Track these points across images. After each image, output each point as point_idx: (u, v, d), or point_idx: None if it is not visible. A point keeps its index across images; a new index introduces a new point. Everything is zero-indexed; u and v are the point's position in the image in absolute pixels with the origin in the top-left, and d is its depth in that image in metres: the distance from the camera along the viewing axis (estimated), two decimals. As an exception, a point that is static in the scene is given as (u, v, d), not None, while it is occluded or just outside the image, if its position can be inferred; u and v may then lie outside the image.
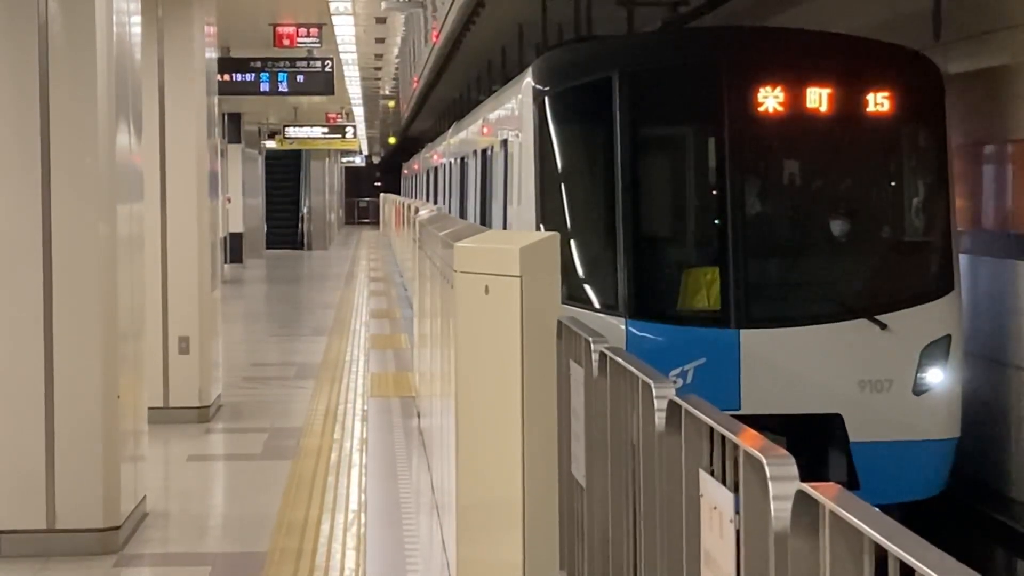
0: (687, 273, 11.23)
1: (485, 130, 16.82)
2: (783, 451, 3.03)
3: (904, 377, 10.82)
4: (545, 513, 5.87)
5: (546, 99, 11.46)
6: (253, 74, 24.72)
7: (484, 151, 16.72)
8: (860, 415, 10.73)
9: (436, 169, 29.57)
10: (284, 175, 52.41)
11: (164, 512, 9.72)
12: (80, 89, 8.47)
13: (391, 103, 57.29)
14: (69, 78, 8.47)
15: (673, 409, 3.96)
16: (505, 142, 13.90)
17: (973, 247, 12.27)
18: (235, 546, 8.96)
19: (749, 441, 3.20)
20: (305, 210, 52.03)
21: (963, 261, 11.59)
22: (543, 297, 5.95)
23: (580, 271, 11.15)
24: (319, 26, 22.96)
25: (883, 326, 10.84)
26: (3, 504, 8.49)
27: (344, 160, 72.38)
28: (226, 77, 23.67)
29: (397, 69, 44.56)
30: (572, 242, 11.13)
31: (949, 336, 10.94)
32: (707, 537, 3.56)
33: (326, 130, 43.94)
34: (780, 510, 2.91)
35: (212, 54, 13.97)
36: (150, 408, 10.19)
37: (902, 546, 2.31)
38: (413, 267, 16.01)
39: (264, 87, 24.79)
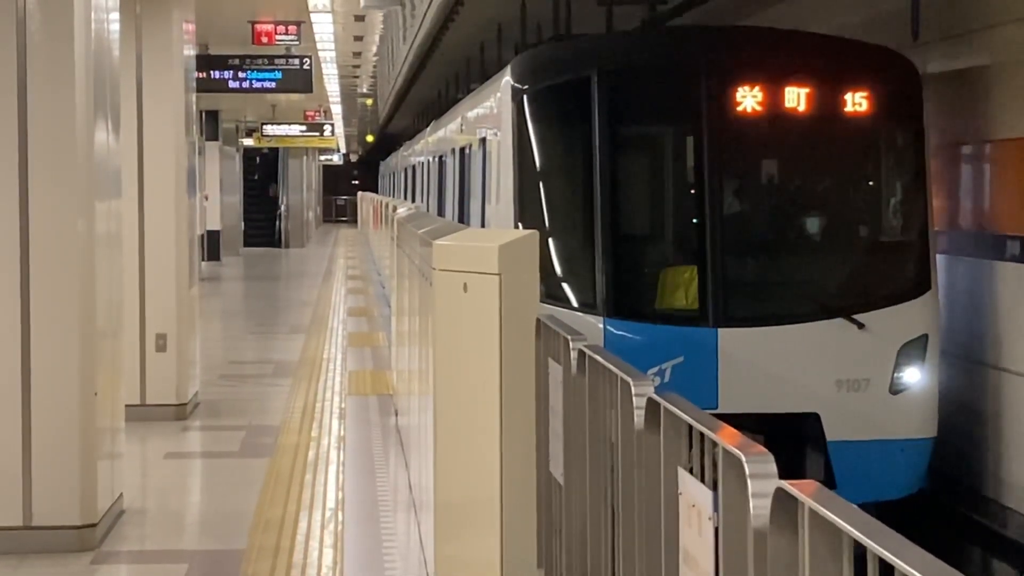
0: (665, 272, 11.24)
1: (463, 128, 16.81)
2: (762, 449, 3.04)
3: (881, 376, 10.84)
4: (523, 511, 5.86)
5: (525, 97, 11.46)
6: (231, 71, 24.67)
7: (463, 149, 16.71)
8: (837, 414, 10.75)
9: (414, 167, 29.55)
10: (262, 172, 52.32)
11: (141, 509, 9.70)
12: (58, 85, 8.44)
13: (369, 101, 57.23)
14: (47, 74, 8.44)
15: (652, 407, 3.96)
16: (484, 140, 13.90)
17: (950, 247, 12.29)
18: (212, 543, 8.94)
19: (728, 439, 3.20)
20: (283, 208, 51.95)
21: (940, 261, 11.61)
22: (522, 295, 5.94)
23: (558, 270, 11.16)
24: (298, 23, 22.93)
25: (860, 325, 10.86)
26: (-21, 501, 8.47)
27: (322, 158, 72.29)
28: (204, 74, 23.62)
29: (375, 67, 44.52)
30: (550, 240, 11.13)
31: (926, 335, 10.97)
32: (686, 535, 3.56)
33: (304, 128, 43.86)
34: (759, 507, 2.91)
35: (190, 51, 13.94)
36: (127, 405, 10.17)
37: (881, 543, 2.32)
38: (391, 265, 16.00)
39: (242, 84, 24.74)
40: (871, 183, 11.86)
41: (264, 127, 43.24)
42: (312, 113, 44.77)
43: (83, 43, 8.56)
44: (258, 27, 22.76)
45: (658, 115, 11.86)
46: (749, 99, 11.08)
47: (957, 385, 11.82)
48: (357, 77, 47.06)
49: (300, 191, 53.08)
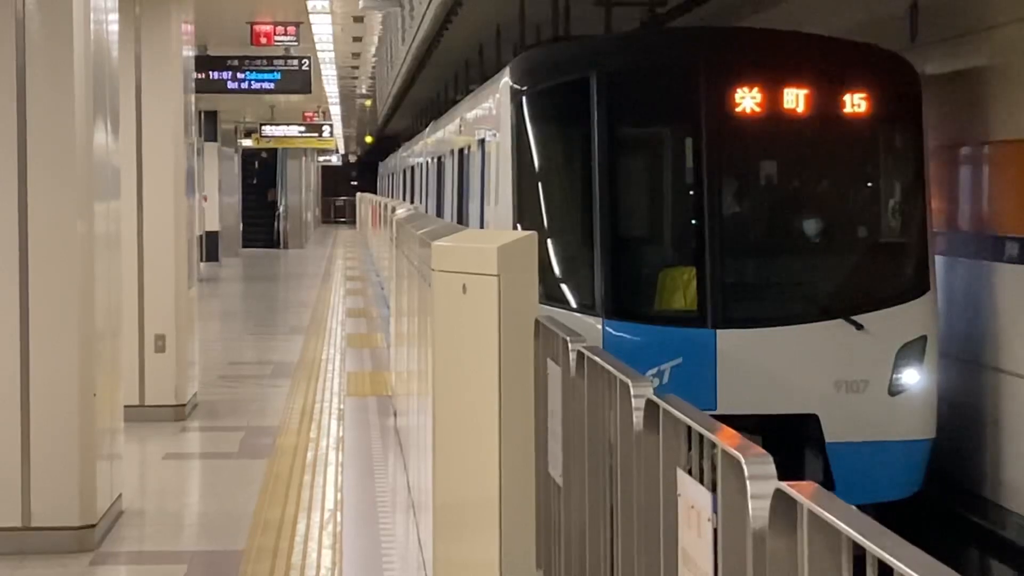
0: (664, 273, 11.24)
1: (462, 129, 16.81)
2: (761, 450, 3.04)
3: (880, 378, 10.84)
4: (522, 512, 5.87)
5: (524, 99, 11.46)
6: (230, 72, 24.67)
7: (461, 150, 16.71)
8: (836, 415, 10.75)
9: (413, 168, 29.55)
10: (261, 173, 52.28)
11: (140, 510, 9.70)
12: (57, 86, 8.44)
13: (368, 102, 57.22)
14: (46, 75, 8.44)
15: (651, 408, 3.97)
16: (482, 141, 13.90)
17: (949, 248, 12.30)
18: (211, 544, 8.94)
19: (727, 440, 3.21)
20: (281, 209, 51.94)
21: (939, 262, 11.61)
22: (521, 296, 5.94)
23: (557, 271, 11.15)
24: (296, 24, 22.94)
25: (859, 327, 10.86)
26: (-22, 502, 8.46)
27: (321, 159, 72.28)
28: (203, 75, 23.62)
29: (374, 68, 44.52)
30: (549, 242, 11.13)
31: (925, 337, 10.97)
32: (685, 536, 3.57)
33: (303, 129, 43.85)
34: (758, 509, 2.91)
35: (189, 52, 13.94)
36: (126, 406, 10.17)
37: (880, 545, 2.32)
38: (390, 266, 15.99)
39: (241, 85, 24.75)
40: (870, 184, 11.86)
41: (263, 128, 43.22)
42: (311, 114, 44.76)
43: (82, 44, 8.56)
44: (257, 28, 22.76)
45: (657, 116, 11.86)
46: (748, 100, 11.08)
47: (956, 386, 11.82)
48: (356, 78, 47.03)
49: (299, 192, 53.07)
